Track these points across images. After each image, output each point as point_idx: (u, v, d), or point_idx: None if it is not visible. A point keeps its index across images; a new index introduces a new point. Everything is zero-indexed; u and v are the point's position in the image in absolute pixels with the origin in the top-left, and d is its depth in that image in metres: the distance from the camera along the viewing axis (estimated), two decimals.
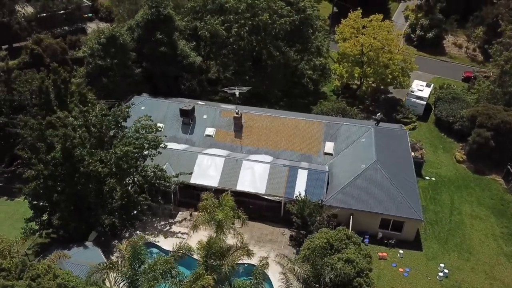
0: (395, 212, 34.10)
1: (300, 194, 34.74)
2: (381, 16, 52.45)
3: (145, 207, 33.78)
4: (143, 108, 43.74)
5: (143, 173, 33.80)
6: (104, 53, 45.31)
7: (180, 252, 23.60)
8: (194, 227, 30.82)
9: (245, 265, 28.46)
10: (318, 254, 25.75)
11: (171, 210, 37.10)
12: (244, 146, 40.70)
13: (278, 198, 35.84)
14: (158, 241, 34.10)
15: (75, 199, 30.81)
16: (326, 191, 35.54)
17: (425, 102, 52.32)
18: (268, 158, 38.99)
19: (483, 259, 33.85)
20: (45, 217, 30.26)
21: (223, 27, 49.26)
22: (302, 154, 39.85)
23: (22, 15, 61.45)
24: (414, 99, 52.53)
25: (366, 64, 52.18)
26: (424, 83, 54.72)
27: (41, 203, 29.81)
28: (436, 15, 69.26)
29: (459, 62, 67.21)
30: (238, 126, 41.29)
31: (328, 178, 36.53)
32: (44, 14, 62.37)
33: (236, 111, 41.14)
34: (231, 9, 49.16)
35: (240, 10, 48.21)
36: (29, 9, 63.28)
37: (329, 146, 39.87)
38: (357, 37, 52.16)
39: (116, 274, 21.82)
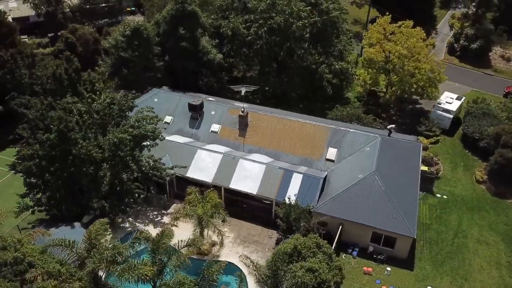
0: (387, 227, 32.44)
1: (290, 198, 34.14)
2: (411, 23, 50.02)
3: (136, 196, 34.72)
4: (156, 100, 44.98)
5: (138, 163, 34.75)
6: (127, 45, 47.08)
7: (136, 240, 24.05)
8: (175, 220, 31.48)
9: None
10: (281, 259, 25.12)
11: (166, 202, 37.81)
12: (247, 145, 40.58)
13: (269, 199, 35.39)
14: (147, 230, 34.91)
15: (68, 181, 32.36)
16: (319, 198, 34.57)
17: (452, 116, 49.19)
18: (267, 159, 38.61)
19: None
20: (38, 195, 31.97)
21: (243, 26, 49.45)
22: (303, 158, 39.05)
23: (68, 5, 65.38)
24: (440, 112, 49.60)
25: (392, 71, 50.08)
26: (455, 96, 51.47)
27: (35, 181, 31.54)
28: (485, 25, 65.02)
29: (506, 76, 62.51)
30: (243, 124, 41.25)
31: (323, 185, 35.55)
32: (88, 6, 65.92)
33: (242, 109, 41.11)
34: (253, 8, 49.22)
35: (259, 10, 48.14)
36: (75, 0, 67.18)
37: (331, 152, 38.72)
38: (384, 43, 50.27)
39: (69, 252, 22.68)
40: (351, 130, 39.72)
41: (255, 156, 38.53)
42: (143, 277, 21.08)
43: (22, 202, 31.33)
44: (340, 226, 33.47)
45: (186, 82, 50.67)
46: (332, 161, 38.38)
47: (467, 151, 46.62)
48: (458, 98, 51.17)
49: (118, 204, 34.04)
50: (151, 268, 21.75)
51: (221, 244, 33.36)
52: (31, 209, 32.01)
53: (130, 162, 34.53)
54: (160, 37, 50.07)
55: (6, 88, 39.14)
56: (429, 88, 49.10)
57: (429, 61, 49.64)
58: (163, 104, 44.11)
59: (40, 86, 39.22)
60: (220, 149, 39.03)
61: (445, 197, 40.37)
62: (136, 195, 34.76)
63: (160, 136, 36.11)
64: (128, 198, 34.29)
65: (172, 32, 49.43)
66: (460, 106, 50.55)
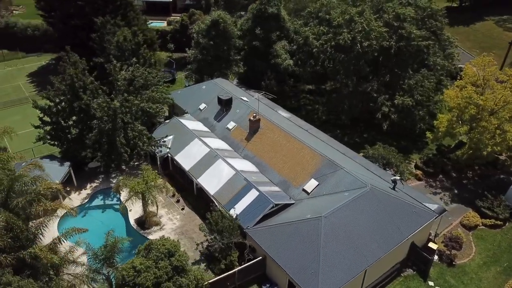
0: (300, 280, 28.34)
1: (235, 209, 33.16)
2: None
3: (124, 158, 39.09)
4: (204, 87, 48.31)
5: (133, 132, 39.02)
6: (206, 34, 51.43)
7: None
8: (116, 189, 34.92)
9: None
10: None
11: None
12: (246, 150, 40.18)
13: (220, 204, 34.93)
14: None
15: (78, 127, 39.08)
16: (260, 222, 32.34)
17: None
18: (250, 168, 37.76)
19: None
20: (48, 128, 39.24)
21: (314, 36, 47.62)
22: (284, 179, 36.54)
23: None
24: None
25: (472, 122, 40.55)
26: None
27: (49, 120, 38.98)
28: None
29: None
30: (252, 129, 40.85)
31: (275, 211, 33.01)
32: None
33: (254, 114, 40.67)
34: (331, 20, 46.77)
35: (334, 24, 45.45)
36: None
37: (311, 184, 35.07)
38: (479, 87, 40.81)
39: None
40: (345, 169, 34.87)
41: (241, 161, 38.14)
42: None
43: (39, 133, 38.95)
44: (265, 258, 30.84)
45: (252, 79, 52.29)
46: (308, 193, 34.83)
47: None
48: None
49: (108, 160, 39.03)
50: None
51: (157, 223, 35.34)
52: (42, 141, 39.32)
53: (128, 129, 39.09)
54: (242, 33, 52.74)
55: (93, 48, 48.61)
56: None
57: None
58: (207, 93, 47.01)
59: (110, 51, 47.04)
60: (214, 144, 39.92)
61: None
62: (125, 157, 39.05)
63: (159, 117, 39.64)
64: (116, 158, 38.89)
65: (251, 30, 51.47)
66: None
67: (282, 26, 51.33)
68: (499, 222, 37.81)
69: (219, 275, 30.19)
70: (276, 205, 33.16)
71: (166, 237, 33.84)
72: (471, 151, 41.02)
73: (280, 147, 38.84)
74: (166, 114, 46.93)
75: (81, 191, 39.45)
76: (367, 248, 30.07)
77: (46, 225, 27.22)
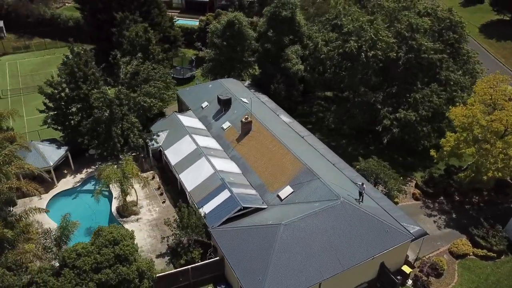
0: (246, 285, 27.94)
1: (203, 207, 33.49)
2: None
3: (116, 148, 40.67)
4: (210, 86, 49.02)
5: (127, 123, 40.60)
6: (221, 34, 52.12)
7: None
8: (99, 175, 36.53)
9: None
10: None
11: (144, 164, 42.44)
12: (234, 150, 40.25)
13: (193, 201, 35.33)
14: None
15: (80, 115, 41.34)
16: (225, 222, 32.33)
17: None
18: (233, 169, 37.88)
19: None
20: (51, 114, 41.74)
21: (324, 43, 46.64)
22: (262, 183, 36.19)
23: None
24: None
25: (475, 143, 37.76)
26: None
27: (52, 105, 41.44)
28: None
29: None
30: (244, 130, 40.82)
31: (243, 214, 32.85)
32: None
33: (246, 116, 40.63)
34: (343, 26, 45.52)
35: (344, 31, 44.26)
36: None
37: (286, 191, 34.44)
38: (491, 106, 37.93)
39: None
40: (321, 179, 33.85)
41: (225, 161, 38.38)
42: None
43: (45, 117, 41.64)
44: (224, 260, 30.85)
45: (263, 82, 52.22)
46: (281, 199, 34.26)
47: None
48: None
49: (104, 148, 40.83)
50: None
51: (136, 213, 36.55)
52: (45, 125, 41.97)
53: (124, 121, 40.72)
54: (258, 35, 52.87)
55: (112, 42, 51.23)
56: None
57: None
58: (212, 92, 47.61)
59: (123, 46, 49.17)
60: (203, 142, 40.39)
61: None
62: (119, 146, 40.65)
63: (154, 110, 40.90)
64: (110, 146, 40.57)
65: (265, 33, 51.44)
66: None
67: (297, 30, 50.71)
68: (491, 254, 34.86)
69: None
70: (245, 208, 32.93)
71: (140, 227, 35.33)
72: (473, 175, 38.15)
73: (266, 150, 38.52)
74: (166, 109, 47.95)
75: (76, 175, 41.60)
76: (326, 262, 29.01)
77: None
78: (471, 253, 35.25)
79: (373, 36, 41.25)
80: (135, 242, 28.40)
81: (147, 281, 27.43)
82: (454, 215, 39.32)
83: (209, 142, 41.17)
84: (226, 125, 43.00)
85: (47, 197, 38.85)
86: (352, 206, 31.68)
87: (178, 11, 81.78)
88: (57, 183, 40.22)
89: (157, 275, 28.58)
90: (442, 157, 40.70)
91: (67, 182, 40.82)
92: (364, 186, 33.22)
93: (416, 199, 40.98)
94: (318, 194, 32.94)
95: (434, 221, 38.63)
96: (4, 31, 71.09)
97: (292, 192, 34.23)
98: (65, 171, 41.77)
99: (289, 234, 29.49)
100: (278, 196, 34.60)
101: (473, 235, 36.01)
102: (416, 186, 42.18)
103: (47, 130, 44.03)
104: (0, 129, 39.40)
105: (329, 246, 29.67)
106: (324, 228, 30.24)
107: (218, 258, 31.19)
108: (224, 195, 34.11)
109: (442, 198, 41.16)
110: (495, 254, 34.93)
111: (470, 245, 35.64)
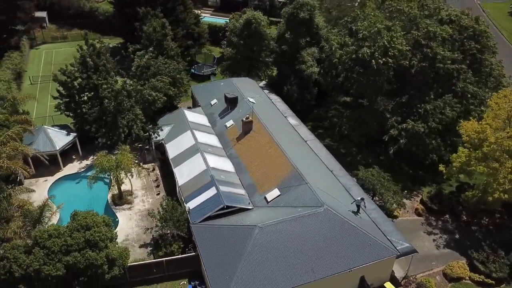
0: (212, 283, 27.77)
1: (187, 203, 33.75)
2: None
3: (120, 138, 41.79)
4: (221, 84, 49.30)
5: (132, 115, 41.68)
6: (239, 32, 52.20)
7: None
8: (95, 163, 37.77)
9: None
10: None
11: (147, 155, 43.33)
12: (232, 149, 40.14)
13: (181, 196, 35.60)
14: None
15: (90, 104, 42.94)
16: (208, 219, 32.28)
17: None
18: (228, 167, 37.85)
19: None
20: (64, 100, 43.45)
21: (338, 46, 45.45)
22: (252, 183, 35.84)
23: None
24: None
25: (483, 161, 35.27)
26: None
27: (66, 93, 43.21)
28: None
29: None
30: (244, 130, 40.62)
31: (223, 210, 32.60)
32: None
33: (247, 116, 40.41)
34: (358, 31, 44.16)
35: (358, 36, 42.91)
36: None
37: (273, 194, 33.85)
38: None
39: None
40: (309, 184, 32.96)
41: (221, 159, 38.41)
42: None
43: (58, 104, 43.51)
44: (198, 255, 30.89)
45: (278, 83, 51.79)
46: (267, 201, 33.73)
47: None
48: None
49: (108, 138, 42.12)
50: None
51: (130, 202, 37.49)
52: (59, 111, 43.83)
53: (130, 112, 41.83)
54: (277, 35, 52.50)
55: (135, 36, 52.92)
56: None
57: None
58: (222, 89, 47.74)
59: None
60: (203, 139, 40.58)
61: None
62: (123, 136, 41.79)
63: (158, 104, 41.72)
64: (114, 136, 41.75)
65: (283, 34, 50.99)
66: None
67: (315, 32, 49.82)
68: (489, 281, 32.43)
69: None
70: (228, 207, 32.69)
71: (130, 216, 36.09)
72: (480, 194, 35.67)
73: (262, 151, 38.12)
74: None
75: (83, 161, 43.22)
76: (299, 269, 28.27)
77: None
78: (467, 277, 33.00)
79: (385, 43, 39.64)
80: (118, 229, 29.09)
81: (117, 269, 27.95)
82: (457, 236, 36.97)
83: (209, 138, 41.34)
84: (229, 123, 43.01)
85: (52, 179, 40.72)
86: (335, 215, 30.61)
87: (213, 9, 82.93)
88: (63, 167, 41.96)
89: (128, 264, 29.03)
90: (451, 173, 38.37)
91: (73, 167, 42.50)
92: (364, 201, 32.12)
93: (419, 214, 38.95)
94: (303, 200, 32.13)
95: (434, 240, 36.53)
96: (47, 22, 75.25)
97: (279, 195, 33.59)
98: (74, 157, 43.51)
99: (263, 237, 29.02)
100: (265, 198, 34.10)
101: (472, 258, 33.68)
102: (421, 201, 40.10)
103: (63, 116, 46.09)
104: (16, 112, 41.91)
105: (304, 253, 28.88)
106: (301, 235, 29.49)
107: (194, 253, 31.22)
108: (211, 192, 34.08)
109: (447, 216, 38.85)
110: (493, 282, 32.45)
111: (467, 268, 33.38)
